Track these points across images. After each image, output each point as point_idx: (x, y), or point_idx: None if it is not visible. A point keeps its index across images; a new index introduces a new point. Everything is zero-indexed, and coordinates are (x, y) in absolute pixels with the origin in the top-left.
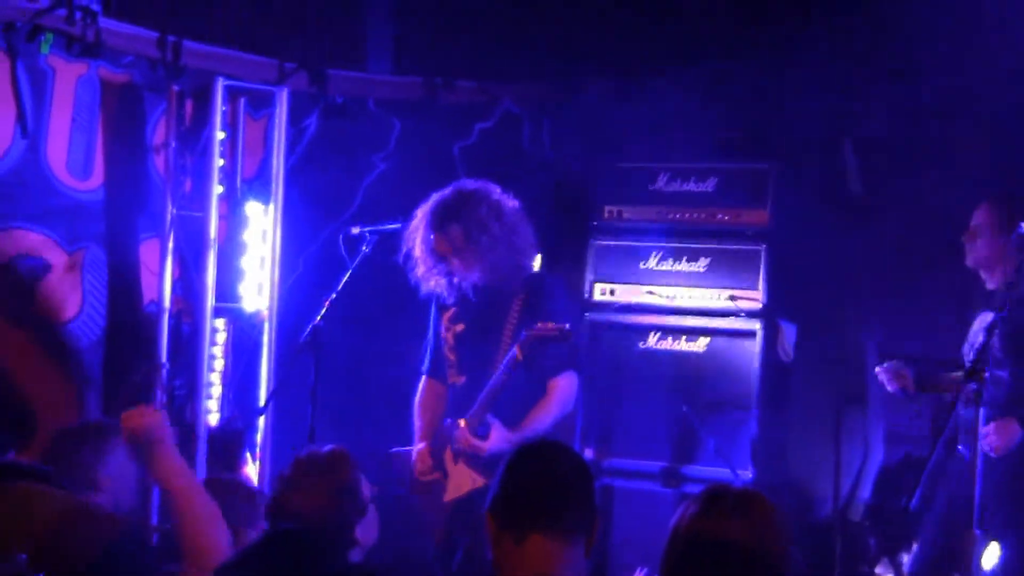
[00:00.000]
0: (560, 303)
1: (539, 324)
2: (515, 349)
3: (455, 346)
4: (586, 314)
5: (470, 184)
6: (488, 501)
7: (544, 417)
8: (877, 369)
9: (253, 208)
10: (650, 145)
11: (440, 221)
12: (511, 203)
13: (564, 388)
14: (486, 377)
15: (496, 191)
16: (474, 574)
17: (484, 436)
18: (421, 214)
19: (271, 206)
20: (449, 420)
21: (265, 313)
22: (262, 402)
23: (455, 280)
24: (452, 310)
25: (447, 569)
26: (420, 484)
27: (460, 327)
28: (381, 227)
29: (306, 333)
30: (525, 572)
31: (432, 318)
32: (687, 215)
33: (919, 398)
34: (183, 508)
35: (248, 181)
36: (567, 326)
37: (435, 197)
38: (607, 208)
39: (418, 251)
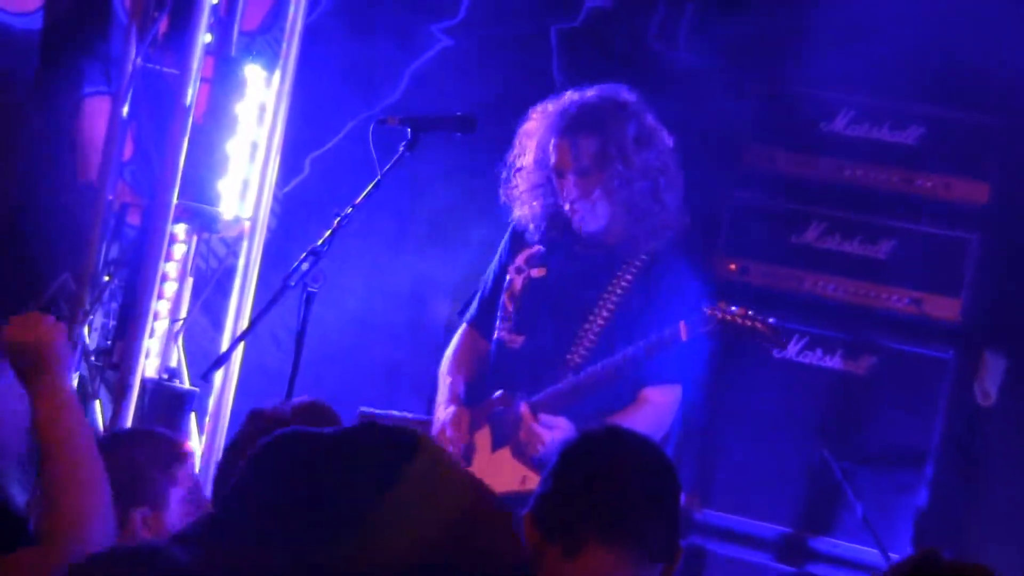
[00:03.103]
0: (689, 286)
1: (738, 308)
2: (681, 326)
3: (522, 295)
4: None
5: (624, 92)
6: (532, 500)
7: (632, 424)
8: None
9: (253, 73)
10: (831, 66)
11: (574, 126)
12: (669, 140)
13: (663, 404)
14: (554, 348)
15: (652, 116)
16: None
17: (548, 427)
18: (545, 113)
19: (277, 74)
20: (503, 392)
21: (247, 225)
22: (224, 347)
23: (560, 209)
24: (535, 249)
25: None
26: None
27: (540, 272)
28: (432, 119)
29: (299, 260)
30: None
31: (502, 251)
32: (872, 175)
33: None
34: (57, 467)
35: (249, 34)
36: (773, 321)
37: (572, 96)
38: (755, 150)
39: (526, 159)
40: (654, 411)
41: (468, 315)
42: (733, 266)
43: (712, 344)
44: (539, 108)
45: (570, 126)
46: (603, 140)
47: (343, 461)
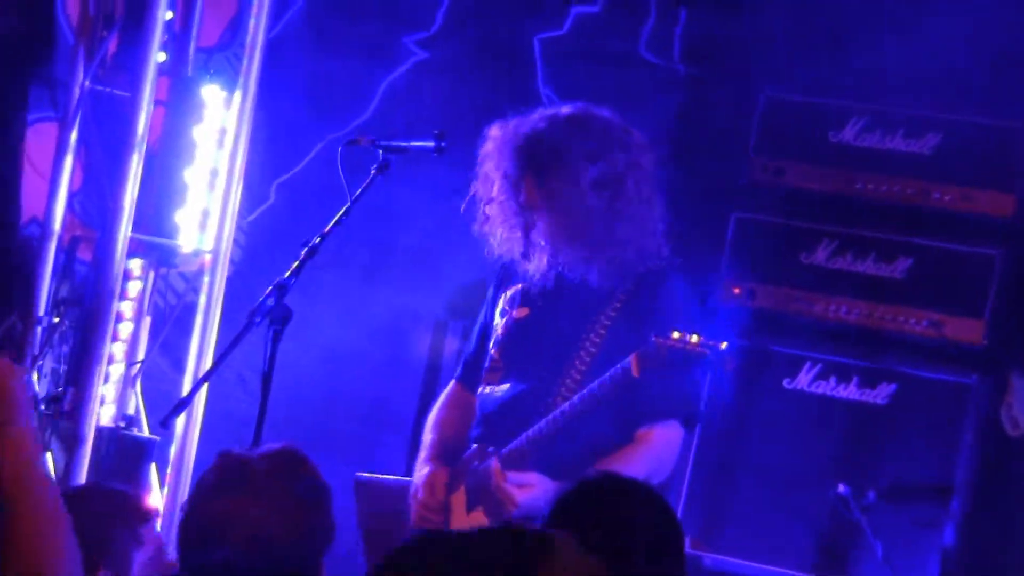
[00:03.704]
0: (683, 312)
1: (678, 333)
2: (631, 361)
3: (505, 340)
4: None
5: (604, 113)
6: None
7: (622, 469)
8: None
9: (211, 93)
10: (839, 71)
11: (532, 161)
12: (647, 155)
13: (662, 443)
14: (539, 392)
15: (634, 134)
16: None
17: (520, 484)
18: (503, 135)
19: (238, 93)
20: (476, 447)
21: (208, 258)
22: (186, 391)
23: (533, 246)
24: (517, 287)
25: None
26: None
27: (522, 312)
28: (405, 143)
29: (265, 295)
30: None
31: (488, 295)
32: (886, 187)
33: None
34: (22, 527)
35: (207, 51)
36: (725, 345)
37: (541, 115)
38: (761, 163)
39: (494, 189)
40: (654, 451)
41: (456, 372)
42: (737, 289)
43: (710, 375)
44: (498, 125)
45: (528, 159)
46: (568, 177)
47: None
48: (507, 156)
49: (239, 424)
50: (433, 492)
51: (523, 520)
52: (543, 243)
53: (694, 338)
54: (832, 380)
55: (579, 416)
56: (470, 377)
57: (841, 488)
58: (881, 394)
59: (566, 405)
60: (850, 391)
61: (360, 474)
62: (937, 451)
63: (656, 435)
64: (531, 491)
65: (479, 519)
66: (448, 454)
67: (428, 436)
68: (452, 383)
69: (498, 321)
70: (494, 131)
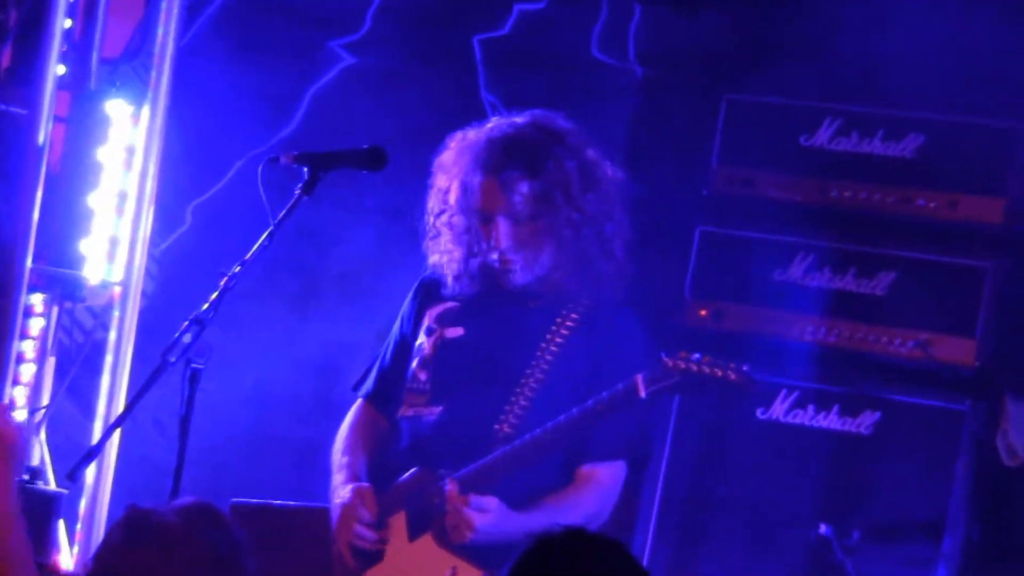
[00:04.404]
0: (638, 341)
1: (701, 356)
2: (638, 380)
3: (435, 359)
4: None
5: (561, 120)
6: None
7: (569, 508)
8: None
9: (117, 109)
10: (809, 69)
11: (503, 162)
12: (616, 174)
13: (606, 483)
14: (479, 418)
15: (594, 148)
16: None
17: (479, 509)
18: (466, 143)
19: (147, 108)
20: (418, 469)
21: (118, 291)
22: (96, 438)
23: (484, 259)
24: (448, 305)
25: None
26: (352, 551)
27: (456, 332)
28: (334, 158)
29: (182, 330)
30: None
31: (405, 312)
32: (864, 195)
33: None
34: None
35: (111, 62)
36: (746, 368)
37: (498, 124)
38: (725, 172)
39: (451, 197)
40: (597, 492)
41: (364, 388)
42: (704, 311)
43: (671, 401)
44: (458, 136)
45: (499, 162)
46: (543, 182)
47: None
48: (470, 161)
49: (156, 474)
50: (366, 507)
51: (485, 547)
52: (500, 250)
53: (705, 358)
54: (810, 409)
55: (556, 440)
56: (382, 395)
57: (823, 528)
58: (865, 423)
59: (539, 431)
60: (830, 420)
61: (236, 500)
62: (927, 484)
63: (603, 474)
64: (489, 516)
65: (427, 546)
66: (367, 477)
67: (342, 459)
68: (360, 401)
69: (423, 340)
70: (454, 140)
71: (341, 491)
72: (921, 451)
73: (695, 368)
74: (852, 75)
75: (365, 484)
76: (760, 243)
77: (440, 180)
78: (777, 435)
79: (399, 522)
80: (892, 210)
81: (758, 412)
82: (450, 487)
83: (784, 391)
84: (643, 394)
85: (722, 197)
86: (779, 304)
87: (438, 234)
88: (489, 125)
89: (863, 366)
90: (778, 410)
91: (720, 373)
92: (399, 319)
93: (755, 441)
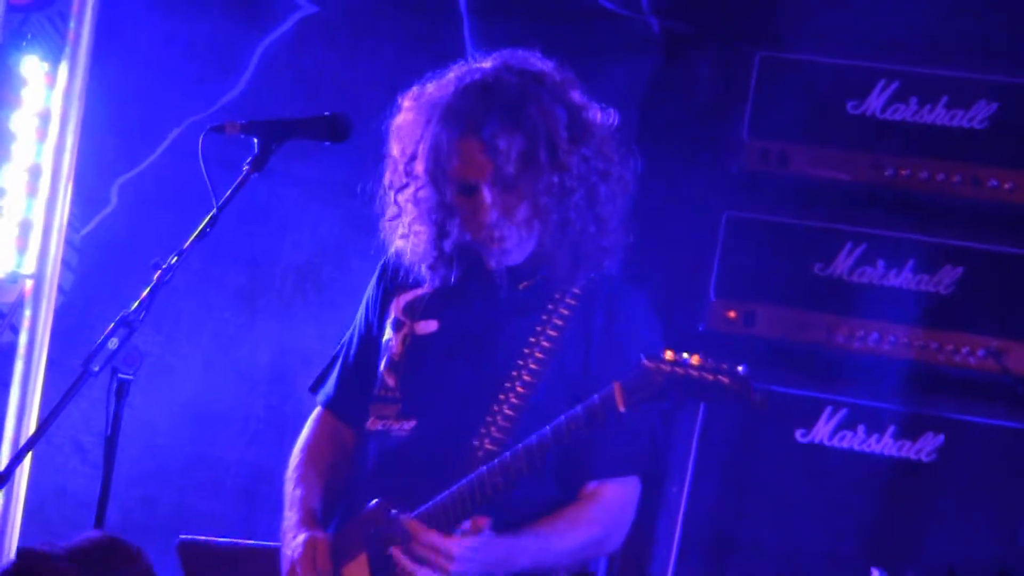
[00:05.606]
0: (647, 332)
1: (671, 354)
2: (614, 389)
3: (406, 360)
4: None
5: (537, 60)
6: None
7: (568, 531)
8: None
9: (29, 68)
10: (860, 21)
11: (481, 115)
12: (608, 119)
13: (615, 502)
14: (457, 433)
15: (579, 90)
16: None
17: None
18: (426, 99)
19: (64, 67)
20: (377, 503)
21: (30, 285)
22: (4, 463)
23: (460, 237)
24: (417, 294)
25: None
26: None
27: (429, 327)
28: (289, 127)
29: (106, 334)
30: None
31: (369, 299)
32: (924, 174)
33: None
34: None
35: (22, 9)
36: (742, 369)
37: (464, 71)
38: (758, 146)
39: (416, 167)
40: (605, 511)
41: (323, 394)
42: (732, 313)
43: (694, 414)
44: (413, 92)
45: (477, 116)
46: (529, 135)
47: None
48: (439, 119)
49: (75, 505)
50: (319, 562)
51: None
52: (488, 225)
53: (695, 359)
54: (860, 430)
55: (526, 466)
56: (345, 401)
57: (875, 573)
58: (925, 448)
59: (508, 453)
60: (884, 444)
61: (184, 536)
62: (997, 520)
63: (611, 492)
64: (464, 542)
65: None
66: (323, 511)
67: (295, 491)
68: (318, 410)
69: (390, 335)
70: (409, 99)
71: (291, 541)
72: (990, 481)
73: (681, 372)
74: (911, 28)
75: (318, 533)
76: (799, 231)
77: (399, 147)
78: (820, 461)
79: (360, 567)
80: (958, 192)
81: (798, 434)
82: (409, 521)
83: (829, 409)
84: (622, 408)
85: (754, 175)
86: (821, 305)
87: (399, 213)
88: (451, 75)
89: (924, 379)
90: (821, 432)
91: (711, 378)
92: (363, 304)
93: (793, 469)
